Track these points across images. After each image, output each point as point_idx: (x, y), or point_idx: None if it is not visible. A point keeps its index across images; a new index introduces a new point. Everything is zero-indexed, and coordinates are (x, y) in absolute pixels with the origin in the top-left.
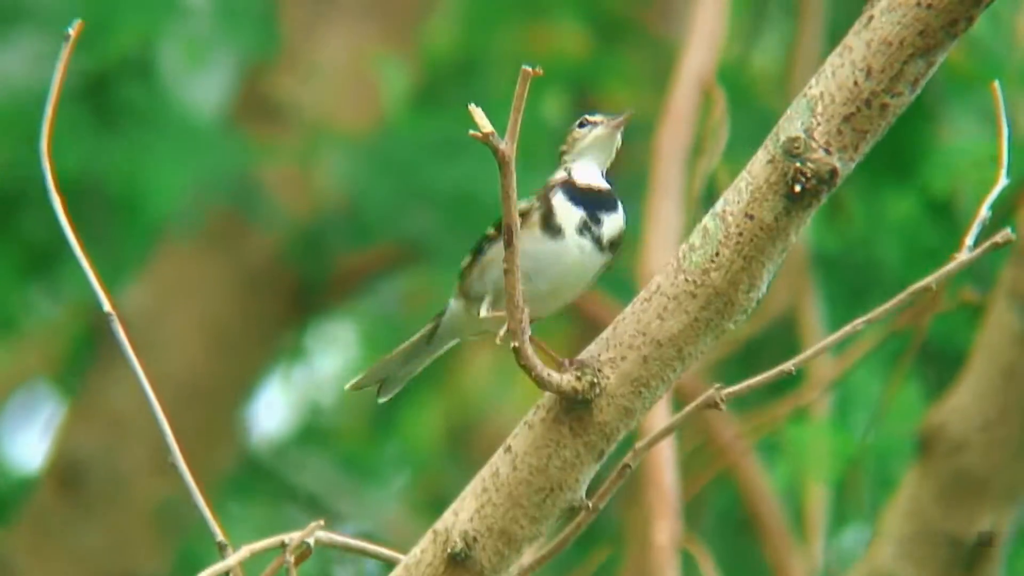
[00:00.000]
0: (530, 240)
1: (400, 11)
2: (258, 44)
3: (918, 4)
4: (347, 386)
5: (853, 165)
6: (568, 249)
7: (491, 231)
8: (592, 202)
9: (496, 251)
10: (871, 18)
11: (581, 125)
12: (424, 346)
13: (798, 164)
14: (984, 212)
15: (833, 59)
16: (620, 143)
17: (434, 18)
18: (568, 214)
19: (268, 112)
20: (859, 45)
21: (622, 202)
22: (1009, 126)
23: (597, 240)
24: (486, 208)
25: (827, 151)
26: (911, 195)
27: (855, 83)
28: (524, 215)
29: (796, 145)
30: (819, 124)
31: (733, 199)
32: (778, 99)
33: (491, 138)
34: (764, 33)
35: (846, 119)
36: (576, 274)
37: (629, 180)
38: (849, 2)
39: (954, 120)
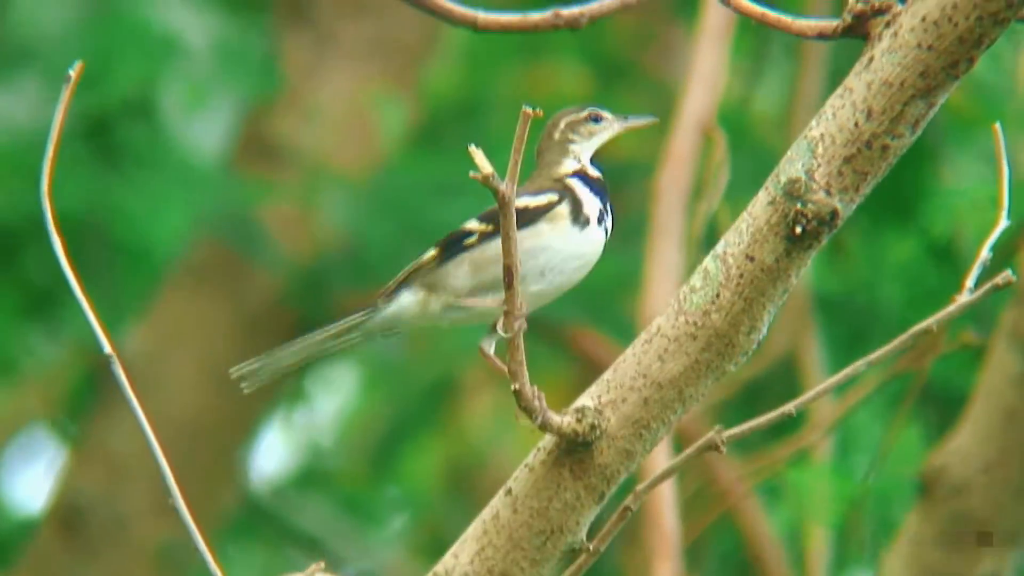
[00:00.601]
0: (556, 233)
1: (401, 53)
2: (259, 86)
3: (919, 45)
4: (232, 371)
5: (854, 206)
6: (592, 240)
7: (475, 225)
8: (603, 193)
9: (494, 249)
10: (871, 59)
11: (595, 119)
12: (345, 335)
13: (799, 206)
14: (985, 254)
15: (834, 100)
16: None
17: (435, 59)
18: (592, 206)
19: (269, 153)
20: (860, 86)
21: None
22: (1009, 168)
23: (607, 231)
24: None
25: (828, 192)
26: (912, 237)
27: (856, 124)
28: (544, 208)
29: (797, 186)
30: (820, 165)
31: (734, 241)
32: (779, 140)
33: (491, 179)
34: (765, 74)
35: (847, 160)
36: (589, 265)
37: (630, 221)
38: (850, 44)
39: (956, 162)
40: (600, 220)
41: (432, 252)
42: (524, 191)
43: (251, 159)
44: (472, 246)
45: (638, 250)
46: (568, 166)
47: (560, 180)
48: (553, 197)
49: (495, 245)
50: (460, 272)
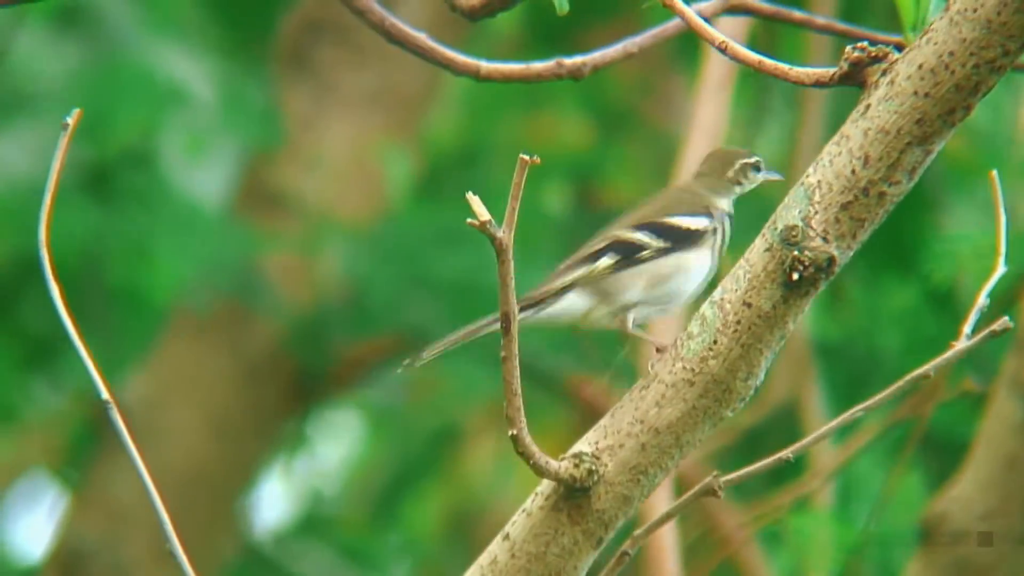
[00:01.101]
0: (699, 258)
1: (402, 102)
2: (260, 135)
3: (915, 93)
4: (416, 362)
5: (851, 253)
6: (712, 271)
7: (647, 240)
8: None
9: (669, 265)
10: (868, 107)
11: (757, 169)
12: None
13: (796, 252)
14: (983, 301)
15: (831, 147)
16: None
17: (436, 108)
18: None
19: (271, 201)
20: (856, 134)
21: None
22: (1008, 215)
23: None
24: (488, 296)
25: (825, 239)
26: (912, 284)
27: (853, 171)
28: (701, 233)
29: (794, 233)
30: (817, 212)
31: (731, 287)
32: (780, 188)
33: (488, 226)
34: (765, 124)
35: (844, 207)
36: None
37: None
38: (849, 93)
39: (955, 210)
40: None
41: (608, 261)
42: (675, 211)
43: (253, 208)
44: (649, 259)
45: None
46: (725, 204)
47: (716, 212)
48: (706, 227)
49: (670, 261)
50: (637, 283)
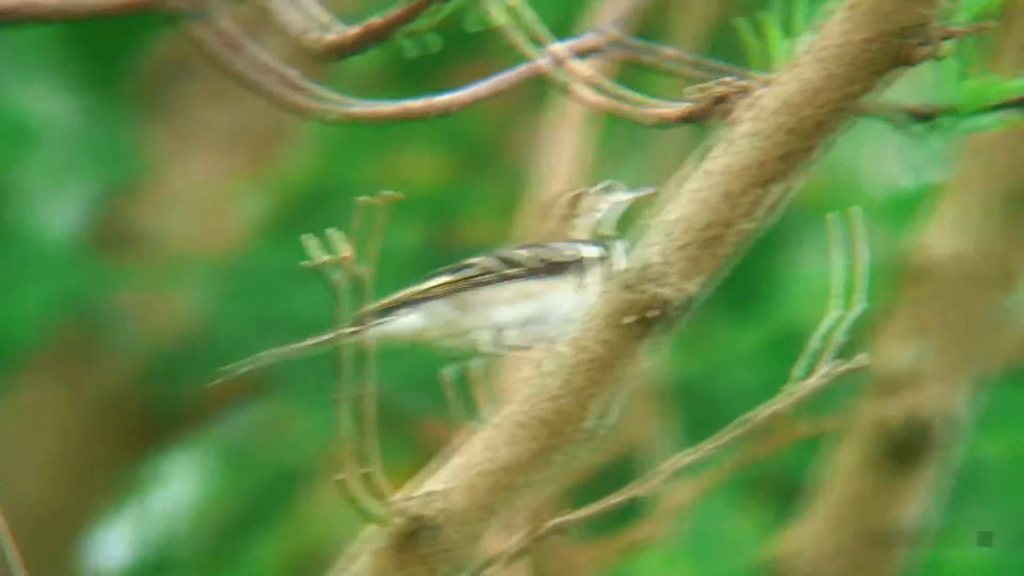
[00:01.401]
0: (591, 289)
1: (259, 141)
2: (117, 172)
3: (778, 129)
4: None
5: (707, 292)
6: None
7: (535, 264)
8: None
9: (546, 286)
10: (730, 142)
11: (608, 191)
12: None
13: (652, 290)
14: (834, 340)
15: (691, 184)
16: None
17: (293, 146)
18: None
19: (126, 238)
20: (717, 169)
21: None
22: (860, 255)
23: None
24: None
25: (681, 277)
26: (765, 323)
27: (711, 208)
28: (580, 260)
29: (650, 271)
30: (675, 249)
31: (586, 324)
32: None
33: (327, 268)
34: (618, 161)
35: (701, 245)
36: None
37: None
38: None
39: (810, 249)
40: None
41: (472, 272)
42: (558, 239)
43: (108, 245)
44: (517, 277)
45: None
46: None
47: (607, 243)
48: (598, 255)
49: (541, 284)
50: (501, 298)
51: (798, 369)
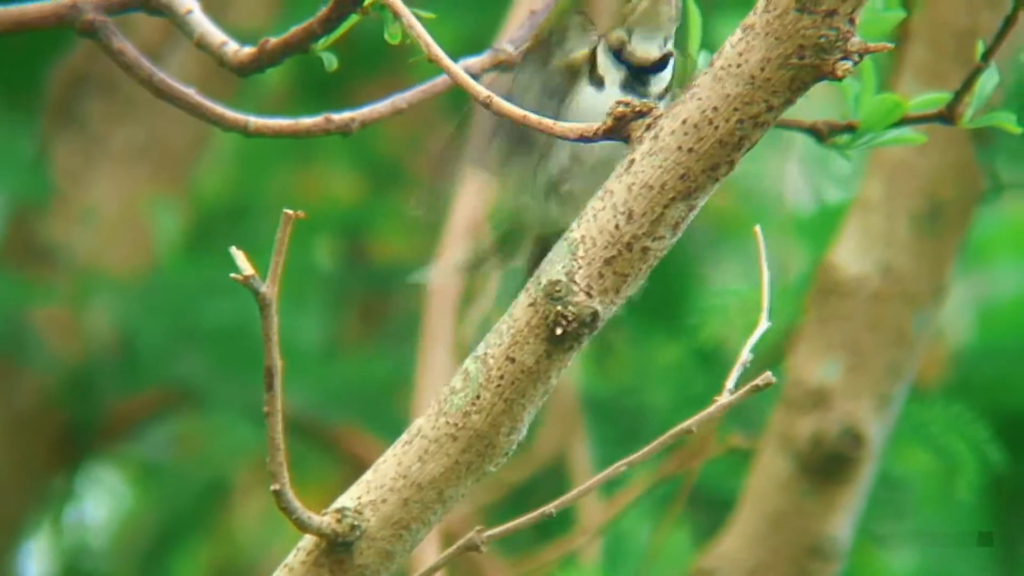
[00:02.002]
0: (579, 94)
1: (171, 155)
2: (27, 188)
3: (679, 148)
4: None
5: (614, 308)
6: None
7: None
8: (638, 68)
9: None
10: (632, 161)
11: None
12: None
13: (559, 307)
14: (746, 356)
15: (595, 202)
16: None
17: (206, 161)
18: (609, 70)
19: (38, 254)
20: (620, 189)
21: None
22: (774, 271)
23: (644, 95)
24: (257, 349)
25: (588, 294)
26: (680, 339)
27: (616, 227)
28: (576, 64)
29: (557, 288)
30: (580, 267)
31: (495, 342)
32: None
33: (251, 281)
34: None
35: (607, 262)
36: None
37: (400, 326)
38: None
39: (723, 265)
40: (625, 87)
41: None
42: None
43: (20, 261)
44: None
45: (410, 352)
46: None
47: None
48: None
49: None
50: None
51: (714, 384)
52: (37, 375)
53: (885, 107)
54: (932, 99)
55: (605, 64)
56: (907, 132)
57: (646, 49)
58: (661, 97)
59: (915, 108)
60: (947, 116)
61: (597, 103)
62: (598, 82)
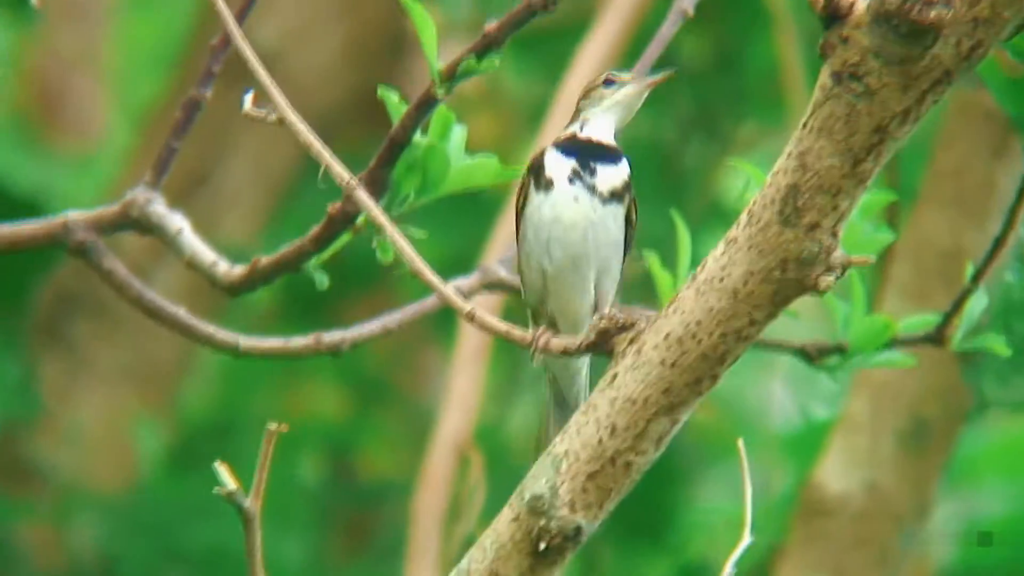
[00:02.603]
0: (529, 204)
1: (157, 373)
2: (14, 407)
3: (662, 363)
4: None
5: (598, 523)
6: (561, 201)
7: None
8: (587, 153)
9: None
10: (615, 376)
11: (607, 83)
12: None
13: (542, 522)
14: (729, 570)
15: (578, 417)
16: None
17: (192, 380)
18: (558, 165)
19: (23, 473)
20: (603, 403)
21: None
22: (758, 487)
23: (591, 188)
24: (239, 564)
25: (572, 509)
26: (665, 555)
27: (599, 441)
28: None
29: (540, 503)
30: (564, 482)
31: (478, 557)
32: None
33: (235, 495)
34: (519, 395)
35: (591, 477)
36: (581, 229)
37: (387, 543)
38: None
39: (708, 481)
40: (574, 179)
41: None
42: None
43: (5, 478)
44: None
45: (396, 569)
46: (567, 131)
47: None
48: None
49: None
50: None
51: None
52: None
53: (874, 329)
54: (921, 321)
55: (553, 160)
56: (896, 355)
57: (604, 132)
58: (617, 196)
59: (904, 330)
60: (936, 338)
61: (544, 205)
62: (547, 184)
